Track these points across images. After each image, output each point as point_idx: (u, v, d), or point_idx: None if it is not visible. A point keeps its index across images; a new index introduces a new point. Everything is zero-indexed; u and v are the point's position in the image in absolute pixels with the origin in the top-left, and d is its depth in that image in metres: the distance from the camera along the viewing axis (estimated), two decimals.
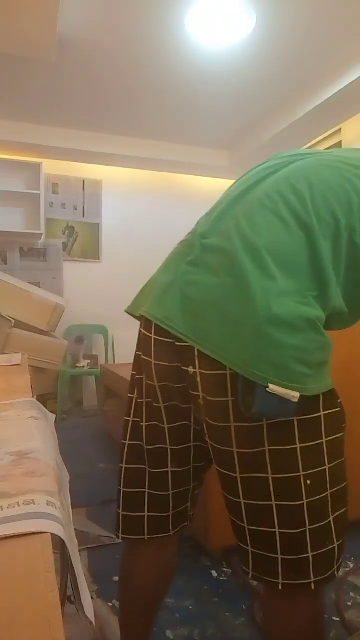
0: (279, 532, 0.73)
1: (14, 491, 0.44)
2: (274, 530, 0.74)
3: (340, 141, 3.40)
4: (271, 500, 0.73)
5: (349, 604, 1.39)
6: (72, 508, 0.62)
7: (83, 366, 3.79)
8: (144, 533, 0.92)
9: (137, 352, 0.94)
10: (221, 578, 1.53)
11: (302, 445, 0.73)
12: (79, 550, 1.23)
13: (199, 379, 0.76)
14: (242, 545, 0.79)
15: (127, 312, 0.98)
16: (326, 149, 3.51)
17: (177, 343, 0.78)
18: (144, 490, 0.92)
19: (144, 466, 0.91)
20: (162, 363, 0.85)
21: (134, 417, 0.94)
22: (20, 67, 2.80)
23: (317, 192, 0.77)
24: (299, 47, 2.62)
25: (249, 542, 0.77)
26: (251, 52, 2.65)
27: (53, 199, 4.10)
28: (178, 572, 1.55)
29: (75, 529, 0.64)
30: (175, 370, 0.82)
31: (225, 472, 0.78)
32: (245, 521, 0.77)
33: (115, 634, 1.24)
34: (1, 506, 0.41)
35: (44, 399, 3.58)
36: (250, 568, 0.77)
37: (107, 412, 3.17)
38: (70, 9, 2.25)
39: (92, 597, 0.91)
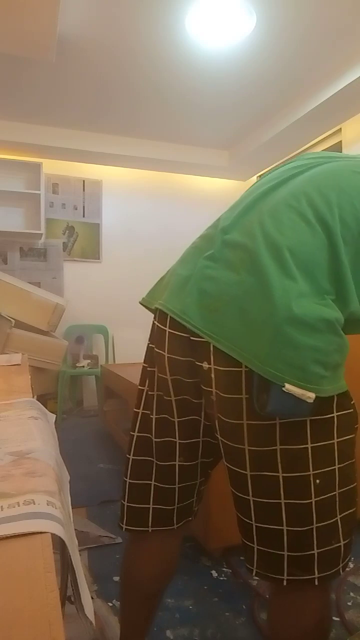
0: (287, 530, 0.74)
1: (14, 491, 0.44)
2: (281, 528, 0.74)
3: (340, 141, 3.40)
4: (280, 499, 0.74)
5: (349, 604, 1.39)
6: (72, 508, 0.62)
7: (83, 366, 3.79)
8: (148, 525, 0.92)
9: (150, 345, 0.92)
10: (221, 578, 1.53)
11: (313, 445, 0.73)
12: (79, 550, 1.23)
13: (212, 375, 0.76)
14: (248, 543, 0.79)
15: (141, 303, 0.96)
16: (325, 149, 3.52)
17: (191, 338, 0.78)
18: (150, 482, 0.92)
19: (151, 458, 0.92)
20: (176, 357, 0.84)
21: (143, 409, 0.94)
22: (20, 67, 2.80)
23: (345, 197, 0.77)
24: (299, 47, 2.62)
25: (255, 539, 0.77)
26: (251, 52, 2.65)
27: (53, 199, 4.10)
28: (178, 572, 1.55)
29: (75, 529, 0.64)
30: (188, 365, 0.82)
31: (235, 469, 0.78)
32: (253, 518, 0.77)
33: (116, 634, 1.24)
34: (1, 506, 0.41)
35: (44, 399, 3.58)
36: (255, 565, 0.77)
37: (107, 412, 3.17)
38: (70, 8, 2.25)
39: (92, 597, 0.92)
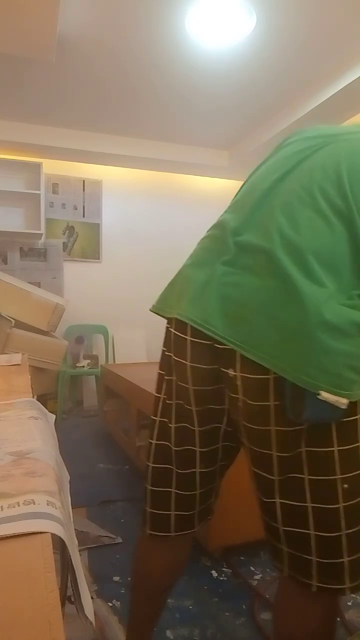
0: (314, 535, 0.73)
1: (14, 491, 0.44)
2: (308, 532, 0.73)
3: None
4: (306, 502, 0.73)
5: (349, 604, 1.39)
6: (72, 508, 0.62)
7: (83, 366, 3.79)
8: (171, 530, 0.93)
9: (167, 352, 0.90)
10: (221, 578, 1.53)
11: (339, 448, 0.72)
12: (79, 550, 1.23)
13: (239, 382, 0.75)
14: (276, 544, 0.78)
15: (152, 311, 0.92)
16: None
17: (216, 345, 0.76)
18: (170, 490, 0.92)
19: (170, 466, 0.91)
20: (199, 365, 0.83)
21: (161, 417, 0.93)
22: (20, 67, 2.80)
23: (356, 181, 0.74)
24: (299, 47, 2.62)
25: (283, 541, 0.77)
26: (251, 52, 2.65)
27: (53, 199, 4.10)
28: None
29: (75, 529, 0.64)
30: (212, 372, 0.81)
31: (262, 473, 0.77)
32: (279, 522, 0.76)
33: (116, 634, 1.24)
34: (1, 506, 0.41)
35: (44, 399, 3.58)
36: (286, 566, 0.77)
37: (107, 412, 3.17)
38: (70, 8, 2.25)
39: (92, 597, 0.92)
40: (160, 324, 3.76)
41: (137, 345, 4.29)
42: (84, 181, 4.20)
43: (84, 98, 3.24)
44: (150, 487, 0.94)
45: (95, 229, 4.26)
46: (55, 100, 3.25)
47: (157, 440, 0.93)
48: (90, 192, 4.22)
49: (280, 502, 0.76)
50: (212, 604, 1.40)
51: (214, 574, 1.55)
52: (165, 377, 0.92)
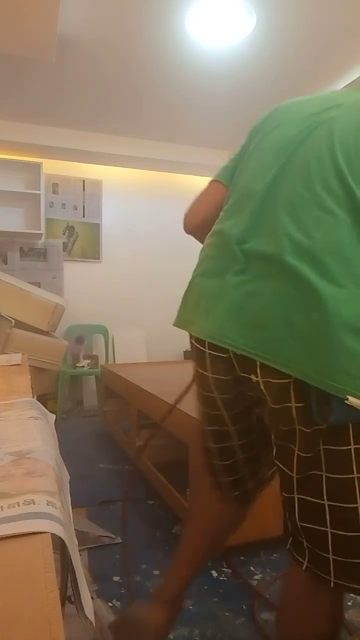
0: (331, 532, 0.73)
1: (14, 491, 0.44)
2: (325, 529, 0.73)
3: None
4: (323, 500, 0.73)
5: (349, 604, 1.39)
6: (72, 508, 0.62)
7: (83, 366, 3.79)
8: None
9: (195, 366, 0.94)
10: (221, 578, 1.53)
11: (356, 446, 0.71)
12: (79, 550, 1.23)
13: (262, 387, 0.76)
14: (298, 537, 0.79)
15: (175, 325, 0.94)
16: None
17: (235, 356, 0.77)
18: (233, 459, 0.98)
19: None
20: (219, 377, 0.84)
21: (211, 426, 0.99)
22: (20, 67, 2.80)
23: (356, 166, 0.72)
24: (299, 47, 2.62)
25: (303, 536, 0.77)
26: (251, 52, 2.65)
27: (53, 199, 4.10)
28: None
29: (75, 529, 0.64)
30: (234, 380, 0.83)
31: (284, 468, 0.79)
32: (297, 517, 0.77)
33: None
34: (1, 506, 0.41)
35: (44, 399, 3.58)
36: (306, 559, 0.77)
37: (107, 412, 3.17)
38: (70, 8, 2.25)
39: (92, 597, 0.92)
40: (159, 324, 3.79)
41: (137, 345, 4.29)
42: (84, 181, 4.20)
43: (84, 98, 3.24)
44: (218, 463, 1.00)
45: (95, 229, 4.26)
46: (55, 100, 3.25)
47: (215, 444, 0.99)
48: (90, 192, 4.22)
49: (299, 498, 0.76)
50: (212, 604, 1.40)
51: (214, 574, 1.55)
52: (201, 392, 0.98)
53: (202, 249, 0.95)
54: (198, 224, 1.02)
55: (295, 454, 0.75)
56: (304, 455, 0.74)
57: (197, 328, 0.82)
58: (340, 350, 0.65)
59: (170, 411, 1.32)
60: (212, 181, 1.03)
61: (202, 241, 1.05)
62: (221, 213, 0.92)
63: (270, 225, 0.76)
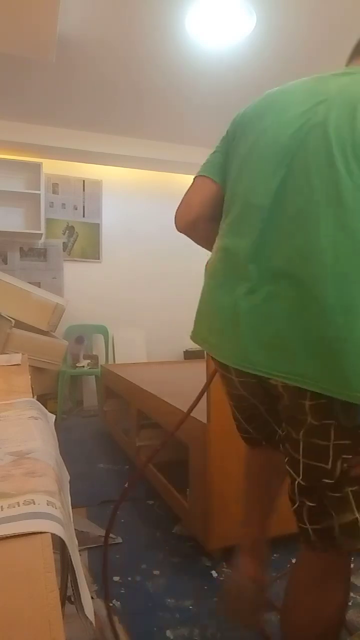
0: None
1: (14, 491, 0.44)
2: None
3: None
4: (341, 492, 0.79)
5: (349, 604, 1.39)
6: (72, 508, 0.62)
7: (83, 366, 3.79)
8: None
9: (225, 388, 1.01)
10: (221, 578, 1.53)
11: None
12: (79, 550, 1.23)
13: (281, 390, 0.80)
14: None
15: (192, 340, 0.97)
16: None
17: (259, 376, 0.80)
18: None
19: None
20: (244, 380, 0.91)
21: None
22: (20, 67, 2.80)
23: (357, 169, 0.71)
24: (299, 47, 2.62)
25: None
26: (251, 52, 2.65)
27: (53, 199, 4.10)
28: (178, 572, 1.56)
29: (75, 529, 0.64)
30: (259, 386, 0.90)
31: (314, 463, 0.80)
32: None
33: (116, 634, 1.24)
34: (1, 506, 0.41)
35: (44, 399, 3.58)
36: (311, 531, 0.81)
37: (107, 412, 3.17)
38: (70, 8, 2.25)
39: (92, 597, 0.92)
40: (159, 324, 3.78)
41: (137, 345, 4.29)
42: (84, 181, 4.20)
43: (84, 98, 3.24)
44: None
45: (95, 229, 4.26)
46: (55, 100, 3.25)
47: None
48: (90, 192, 4.22)
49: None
50: (212, 604, 1.40)
51: (214, 574, 1.55)
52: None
53: (209, 263, 0.94)
54: (191, 221, 1.00)
55: (300, 440, 0.79)
56: (310, 440, 0.78)
57: (218, 352, 0.86)
58: (358, 364, 0.67)
59: (183, 421, 1.33)
60: (199, 177, 1.01)
61: (196, 239, 1.06)
62: (224, 226, 0.91)
63: (281, 242, 0.76)
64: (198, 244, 1.09)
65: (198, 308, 0.94)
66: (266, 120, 0.87)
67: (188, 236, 1.05)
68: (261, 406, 0.97)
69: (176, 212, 1.02)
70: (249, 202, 0.84)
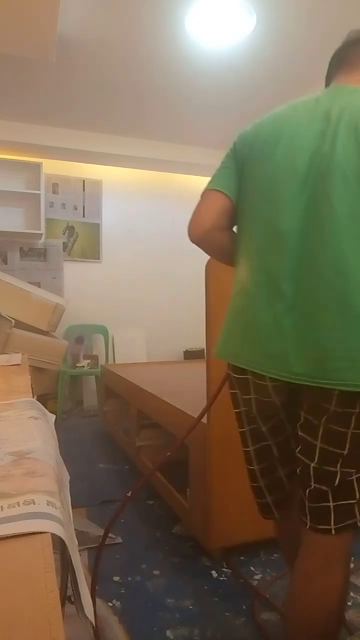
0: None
1: (14, 491, 0.44)
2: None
3: None
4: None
5: (349, 604, 1.39)
6: (72, 508, 0.62)
7: (83, 366, 3.79)
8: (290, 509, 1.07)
9: (252, 396, 1.00)
10: (221, 578, 1.53)
11: None
12: (79, 550, 1.23)
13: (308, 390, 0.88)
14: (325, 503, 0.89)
15: (220, 357, 1.02)
16: None
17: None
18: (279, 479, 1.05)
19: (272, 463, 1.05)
20: (264, 399, 0.97)
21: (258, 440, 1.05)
22: (20, 67, 2.80)
23: None
24: (299, 47, 2.62)
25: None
26: (251, 52, 2.65)
27: (53, 199, 4.10)
28: (178, 572, 1.56)
29: (75, 529, 0.64)
30: (280, 400, 0.96)
31: (331, 448, 0.87)
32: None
33: (116, 634, 1.24)
34: (1, 506, 0.41)
35: (44, 399, 3.58)
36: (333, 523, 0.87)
37: (107, 412, 3.17)
38: (70, 8, 2.25)
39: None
40: (159, 324, 3.78)
41: (137, 345, 4.29)
42: (84, 181, 4.20)
43: (84, 98, 3.24)
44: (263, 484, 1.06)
45: (95, 229, 4.26)
46: (55, 100, 3.25)
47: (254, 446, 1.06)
48: (90, 192, 4.22)
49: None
50: (212, 604, 1.40)
51: (214, 574, 1.55)
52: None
53: (237, 284, 1.00)
54: (205, 231, 1.03)
55: (321, 426, 0.86)
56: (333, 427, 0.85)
57: (257, 365, 0.91)
58: None
59: (194, 427, 1.34)
60: (210, 190, 1.05)
61: (210, 249, 1.10)
62: (249, 248, 0.97)
63: (312, 262, 0.84)
64: (211, 254, 1.13)
65: (227, 326, 1.00)
66: (280, 147, 0.93)
67: (202, 246, 1.08)
68: (282, 411, 0.99)
69: (189, 225, 1.05)
70: (276, 227, 0.90)
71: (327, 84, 1.09)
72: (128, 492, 1.39)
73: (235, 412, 1.08)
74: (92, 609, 0.42)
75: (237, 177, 1.02)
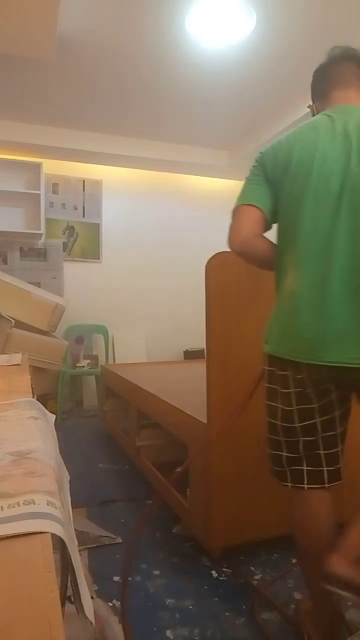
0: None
1: (14, 491, 0.44)
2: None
3: None
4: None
5: (349, 603, 1.39)
6: (72, 508, 0.62)
7: (83, 366, 3.79)
8: (325, 482, 1.14)
9: (295, 390, 1.10)
10: (221, 578, 1.53)
11: None
12: (79, 550, 1.23)
13: None
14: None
15: (283, 356, 1.10)
16: None
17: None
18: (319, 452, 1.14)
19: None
20: (332, 385, 1.09)
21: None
22: (20, 67, 2.80)
23: None
24: (299, 47, 2.62)
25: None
26: (251, 51, 2.65)
27: (53, 199, 4.10)
28: (178, 572, 1.56)
29: (75, 529, 0.64)
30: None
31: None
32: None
33: (115, 634, 1.24)
34: (1, 506, 0.41)
35: (44, 399, 3.58)
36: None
37: (107, 412, 3.17)
38: (70, 8, 2.25)
39: (92, 597, 0.92)
40: (159, 324, 3.78)
41: (137, 345, 4.29)
42: (84, 181, 4.20)
43: (84, 98, 3.24)
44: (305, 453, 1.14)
45: (95, 229, 4.26)
46: (55, 100, 3.25)
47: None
48: (90, 192, 4.22)
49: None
50: (212, 604, 1.40)
51: (214, 574, 1.55)
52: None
53: (287, 289, 1.10)
54: (244, 239, 1.15)
55: None
56: None
57: (317, 357, 1.02)
58: None
59: (229, 423, 1.36)
60: (243, 205, 1.16)
61: (252, 257, 1.20)
62: (294, 259, 1.08)
63: (355, 267, 0.99)
64: (252, 260, 1.22)
65: (283, 327, 1.10)
66: (314, 170, 1.05)
67: (245, 255, 1.19)
68: (335, 392, 1.10)
69: (229, 237, 1.17)
70: (318, 240, 1.03)
71: (318, 97, 1.24)
72: (178, 469, 1.41)
73: (271, 404, 1.16)
74: (92, 609, 0.42)
75: (270, 194, 1.15)
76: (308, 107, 1.31)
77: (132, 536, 1.34)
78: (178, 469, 1.38)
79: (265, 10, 2.28)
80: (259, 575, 1.54)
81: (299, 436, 1.11)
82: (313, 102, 1.28)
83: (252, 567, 1.58)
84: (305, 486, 1.13)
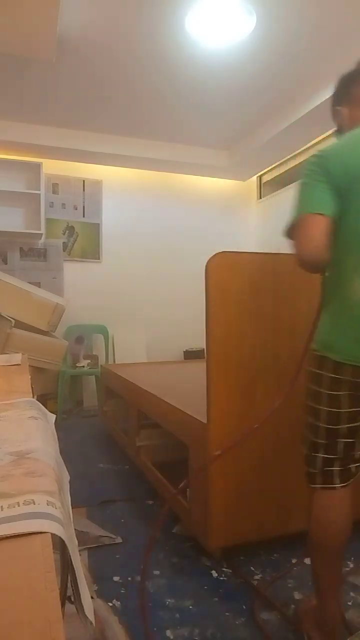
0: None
1: (14, 491, 0.44)
2: None
3: None
4: None
5: (349, 604, 1.39)
6: (72, 508, 0.62)
7: (83, 366, 3.79)
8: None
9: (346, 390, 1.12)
10: (221, 578, 1.53)
11: None
12: (79, 550, 1.23)
13: None
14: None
15: (344, 359, 1.11)
16: None
17: None
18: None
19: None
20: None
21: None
22: (20, 67, 2.80)
23: None
24: (299, 47, 2.62)
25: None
26: (251, 51, 2.65)
27: (53, 199, 4.10)
28: (178, 572, 1.56)
29: (75, 529, 0.64)
30: None
31: None
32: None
33: (115, 634, 1.24)
34: (1, 506, 0.41)
35: (44, 399, 3.58)
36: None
37: (107, 412, 3.17)
38: (70, 8, 2.25)
39: (92, 597, 0.92)
40: (159, 324, 3.78)
41: (137, 345, 4.29)
42: (84, 181, 4.20)
43: (84, 98, 3.24)
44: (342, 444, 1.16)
45: (95, 229, 4.26)
46: (55, 100, 3.25)
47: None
48: (90, 192, 4.22)
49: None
50: (212, 604, 1.40)
51: (214, 574, 1.55)
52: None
53: (351, 296, 1.09)
54: (319, 252, 1.11)
55: None
56: None
57: None
58: None
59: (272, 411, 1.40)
60: (311, 214, 1.11)
61: (318, 267, 1.16)
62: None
63: None
64: (316, 270, 1.18)
65: (351, 333, 1.10)
66: None
67: (317, 264, 1.14)
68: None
69: (302, 249, 1.11)
70: None
71: (349, 102, 1.21)
72: (217, 452, 1.45)
73: (315, 406, 1.18)
74: (92, 609, 0.42)
75: (335, 201, 1.10)
76: (334, 118, 1.29)
77: (149, 541, 1.36)
78: (200, 468, 1.40)
79: (265, 10, 2.28)
80: (259, 575, 1.54)
81: (341, 437, 1.14)
82: (340, 106, 1.25)
83: (252, 567, 1.58)
84: (337, 486, 1.16)
